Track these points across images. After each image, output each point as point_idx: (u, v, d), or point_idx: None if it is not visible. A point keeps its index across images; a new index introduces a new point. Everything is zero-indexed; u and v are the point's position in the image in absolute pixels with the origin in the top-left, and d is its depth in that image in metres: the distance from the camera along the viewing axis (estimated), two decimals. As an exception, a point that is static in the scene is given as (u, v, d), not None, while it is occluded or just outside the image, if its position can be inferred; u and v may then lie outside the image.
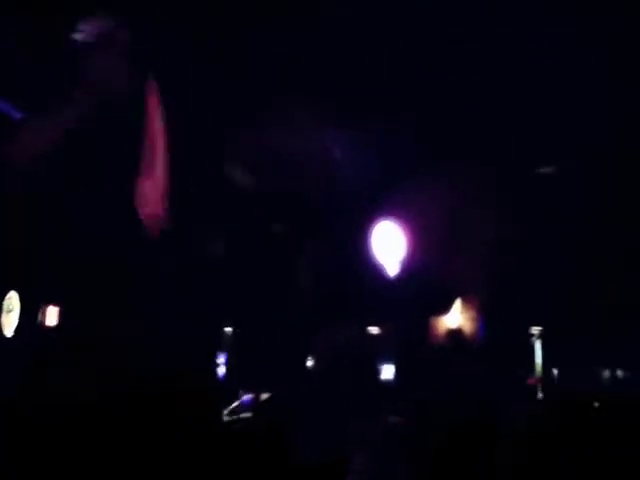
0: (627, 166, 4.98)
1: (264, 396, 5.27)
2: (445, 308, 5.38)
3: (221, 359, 5.80)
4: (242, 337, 5.95)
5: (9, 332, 5.57)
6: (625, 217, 5.25)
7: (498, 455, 4.22)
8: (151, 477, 1.98)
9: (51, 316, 4.90)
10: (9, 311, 5.57)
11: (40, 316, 5.24)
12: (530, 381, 6.29)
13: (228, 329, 5.83)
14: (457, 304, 5.39)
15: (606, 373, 6.33)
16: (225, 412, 5.05)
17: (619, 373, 6.30)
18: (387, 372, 6.04)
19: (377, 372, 5.87)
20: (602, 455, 4.18)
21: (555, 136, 4.70)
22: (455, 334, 5.45)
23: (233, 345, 5.96)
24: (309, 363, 6.02)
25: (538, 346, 6.18)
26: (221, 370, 5.78)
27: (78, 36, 2.02)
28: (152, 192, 2.08)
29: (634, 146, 4.74)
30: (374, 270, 5.29)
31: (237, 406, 5.42)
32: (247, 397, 5.56)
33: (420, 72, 4.10)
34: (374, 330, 5.83)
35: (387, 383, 5.89)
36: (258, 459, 3.92)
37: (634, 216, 5.15)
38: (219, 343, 5.43)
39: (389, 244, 5.13)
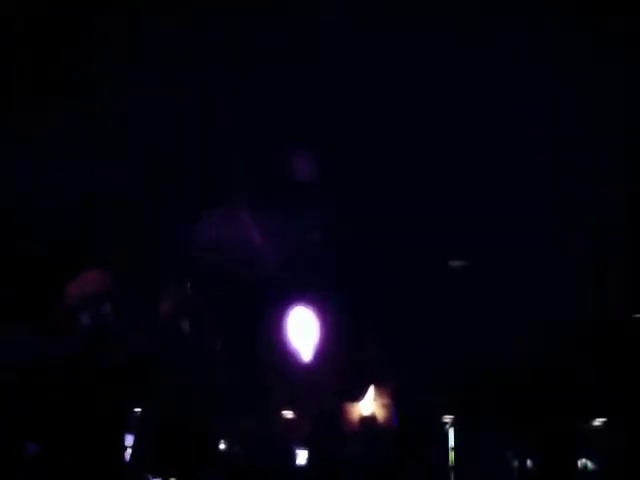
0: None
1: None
2: (358, 395, 5.37)
3: (128, 441, 5.59)
4: (151, 417, 5.76)
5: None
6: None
7: None
8: None
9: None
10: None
11: None
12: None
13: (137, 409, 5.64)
14: (370, 391, 5.39)
15: (515, 462, 6.39)
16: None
17: (528, 463, 6.36)
18: (300, 457, 5.94)
19: (290, 458, 5.77)
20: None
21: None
22: (368, 420, 5.43)
23: (141, 426, 5.76)
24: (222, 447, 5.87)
25: (451, 434, 6.21)
26: (127, 453, 5.56)
27: None
28: None
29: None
30: (289, 354, 5.25)
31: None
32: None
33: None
34: (288, 414, 5.77)
35: (301, 468, 5.79)
36: None
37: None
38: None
39: (304, 329, 5.12)
